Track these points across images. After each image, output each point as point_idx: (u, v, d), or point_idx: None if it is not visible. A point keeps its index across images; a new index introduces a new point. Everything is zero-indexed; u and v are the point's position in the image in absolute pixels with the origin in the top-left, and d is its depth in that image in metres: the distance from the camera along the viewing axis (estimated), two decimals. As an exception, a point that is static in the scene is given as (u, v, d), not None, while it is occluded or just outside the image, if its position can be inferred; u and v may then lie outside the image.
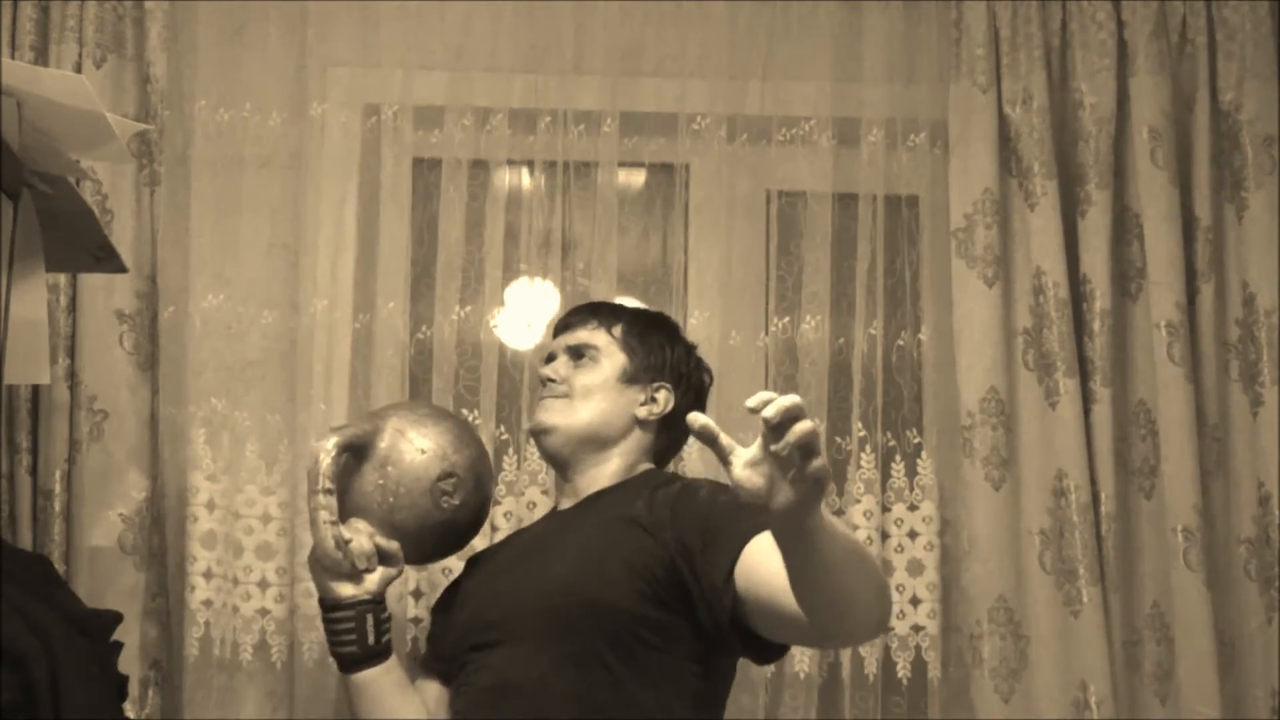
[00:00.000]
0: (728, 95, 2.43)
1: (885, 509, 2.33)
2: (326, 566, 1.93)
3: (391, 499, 1.95)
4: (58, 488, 2.23)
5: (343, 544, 1.91)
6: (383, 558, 1.95)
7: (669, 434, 2.04)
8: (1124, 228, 2.41)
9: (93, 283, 2.26)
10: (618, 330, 2.05)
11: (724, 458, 1.42)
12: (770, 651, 1.82)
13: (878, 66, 2.43)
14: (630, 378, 2.03)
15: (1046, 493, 2.32)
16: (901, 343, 2.40)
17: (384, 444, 1.97)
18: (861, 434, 2.34)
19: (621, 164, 2.43)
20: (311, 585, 2.24)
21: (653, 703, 1.79)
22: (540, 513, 2.24)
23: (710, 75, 2.44)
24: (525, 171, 2.47)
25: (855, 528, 2.30)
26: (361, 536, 1.93)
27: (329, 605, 1.94)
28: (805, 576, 1.55)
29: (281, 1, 2.41)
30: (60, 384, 2.24)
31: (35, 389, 2.24)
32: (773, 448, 1.38)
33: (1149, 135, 2.38)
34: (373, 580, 1.94)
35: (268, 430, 2.31)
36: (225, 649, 2.26)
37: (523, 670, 1.81)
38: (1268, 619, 2.30)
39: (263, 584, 2.28)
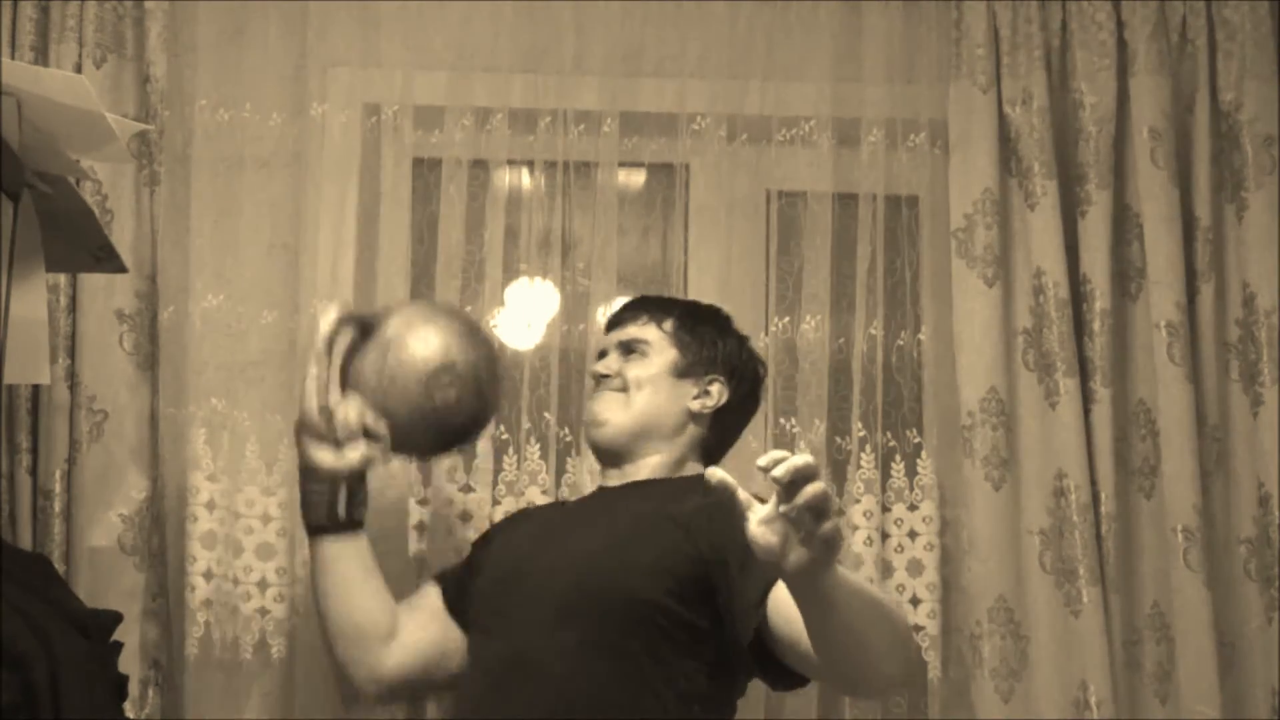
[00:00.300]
0: (728, 95, 2.43)
1: (885, 509, 2.33)
2: (310, 431, 1.94)
3: (386, 382, 1.94)
4: (58, 488, 2.23)
5: (326, 410, 1.92)
6: (369, 437, 1.94)
7: (721, 428, 2.05)
8: (1124, 228, 2.41)
9: (93, 283, 2.26)
10: (669, 325, 2.06)
11: (740, 513, 1.43)
12: (789, 679, 1.80)
13: (878, 66, 2.43)
14: (682, 372, 2.04)
15: (1046, 493, 2.32)
16: (901, 343, 2.40)
17: (391, 329, 1.97)
18: (861, 434, 2.34)
19: (621, 164, 2.43)
20: (310, 584, 2.25)
21: (671, 699, 1.79)
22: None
23: (710, 75, 2.43)
24: (525, 171, 2.47)
25: (855, 528, 2.30)
26: (350, 410, 1.93)
27: (305, 471, 1.96)
28: (820, 630, 1.56)
29: (281, 1, 2.40)
30: (60, 384, 2.24)
31: (35, 389, 2.24)
32: (782, 508, 1.39)
33: (1149, 135, 2.38)
34: (353, 455, 1.94)
35: (268, 430, 2.31)
36: (225, 649, 2.26)
37: (540, 647, 1.81)
38: (1268, 619, 2.29)
39: (263, 584, 2.28)
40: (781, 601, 1.66)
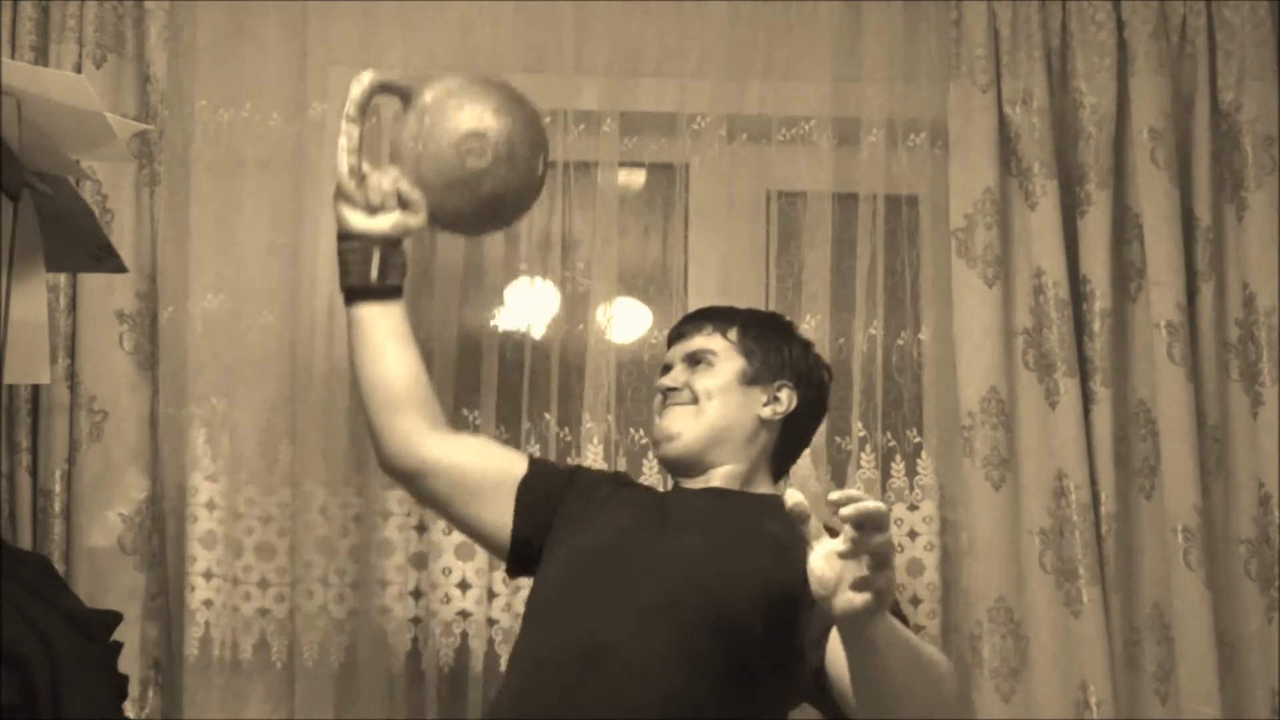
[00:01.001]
0: (728, 95, 2.43)
1: (885, 509, 2.33)
2: (345, 196, 1.97)
3: (420, 147, 1.96)
4: (58, 488, 2.23)
5: (358, 174, 1.95)
6: (405, 204, 1.96)
7: (792, 434, 2.04)
8: (1124, 228, 2.41)
9: (93, 283, 2.26)
10: (733, 334, 2.04)
11: (808, 540, 1.43)
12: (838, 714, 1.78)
13: (878, 66, 2.43)
14: (751, 379, 2.02)
15: (1046, 493, 2.32)
16: (901, 343, 2.40)
17: (429, 96, 1.98)
18: (861, 434, 2.34)
19: (621, 164, 2.43)
20: (311, 586, 2.25)
21: (741, 712, 1.76)
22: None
23: (710, 75, 2.43)
24: (525, 171, 2.47)
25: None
26: (385, 177, 1.96)
27: (341, 234, 1.99)
28: (861, 677, 1.55)
29: (281, 1, 2.40)
30: (60, 384, 2.24)
31: (35, 389, 2.24)
32: (843, 549, 1.38)
33: (1149, 135, 2.38)
34: (387, 219, 1.97)
35: (268, 430, 2.31)
36: (225, 649, 2.26)
37: (630, 638, 1.76)
38: (1268, 619, 2.30)
39: (263, 584, 2.28)
40: (838, 641, 1.64)
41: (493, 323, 2.38)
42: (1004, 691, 2.27)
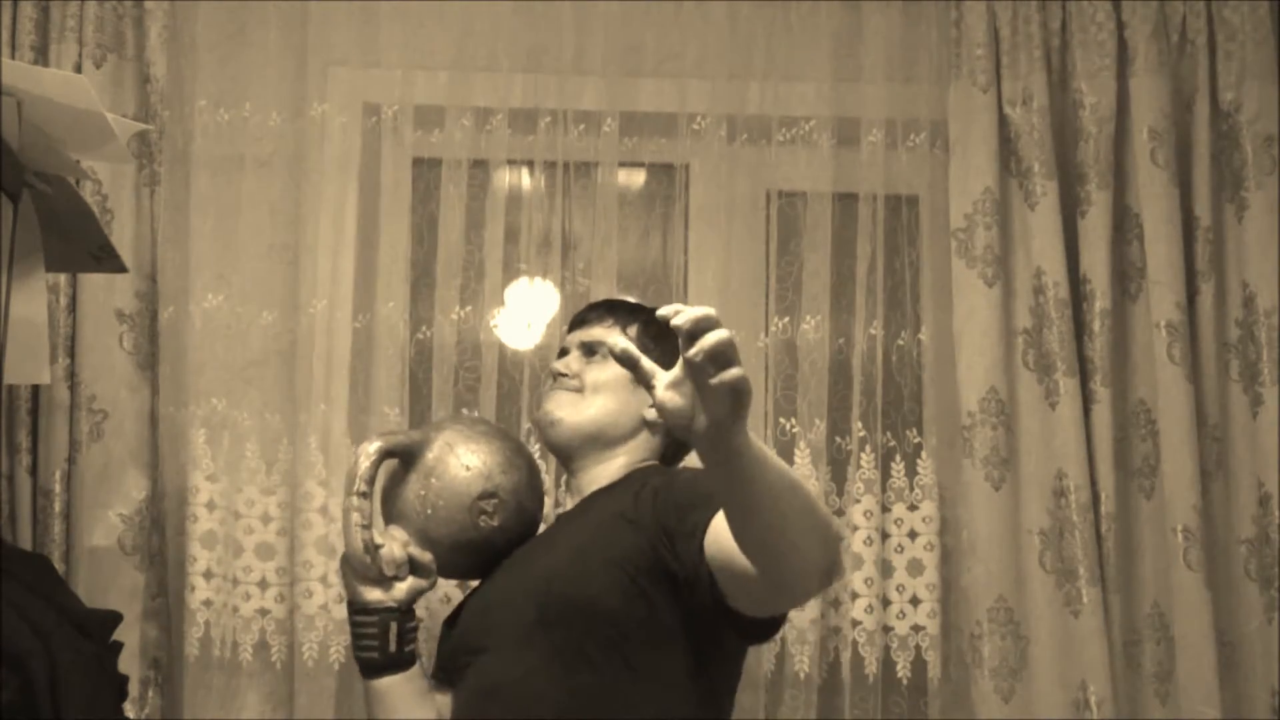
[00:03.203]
0: (728, 95, 2.43)
1: (885, 509, 2.33)
2: (356, 569, 1.91)
3: (430, 510, 1.92)
4: (58, 488, 2.23)
5: (372, 548, 1.89)
6: (415, 568, 1.92)
7: (678, 440, 2.01)
8: (1124, 228, 2.41)
9: (93, 283, 2.26)
10: (633, 330, 2.03)
11: (647, 382, 1.40)
12: (762, 628, 1.76)
13: (878, 66, 2.43)
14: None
15: (1046, 493, 2.32)
16: (901, 343, 2.40)
17: (432, 455, 1.94)
18: (861, 434, 2.34)
19: (621, 164, 2.43)
20: (311, 585, 2.25)
21: (649, 702, 1.76)
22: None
23: (710, 75, 2.43)
24: (525, 171, 2.47)
25: (855, 528, 2.30)
26: (395, 544, 1.91)
27: (355, 609, 1.93)
28: (739, 507, 1.51)
29: (281, 1, 2.40)
30: (60, 384, 2.24)
31: (35, 389, 2.24)
32: (685, 354, 1.35)
33: (1149, 135, 2.38)
34: (401, 589, 1.91)
35: (268, 430, 2.31)
36: (225, 649, 2.26)
37: (509, 670, 1.80)
38: (1268, 619, 2.30)
39: (263, 584, 2.28)
40: (715, 533, 1.63)
41: (492, 323, 2.38)
42: (1004, 691, 2.27)
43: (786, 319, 2.39)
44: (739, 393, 1.37)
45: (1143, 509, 2.34)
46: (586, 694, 1.76)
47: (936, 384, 2.38)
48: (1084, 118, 2.40)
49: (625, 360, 1.39)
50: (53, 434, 2.24)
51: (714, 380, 1.35)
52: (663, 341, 2.01)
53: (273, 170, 2.39)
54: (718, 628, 1.75)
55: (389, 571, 1.90)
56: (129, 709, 1.98)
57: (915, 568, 2.32)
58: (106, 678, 1.77)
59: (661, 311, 1.36)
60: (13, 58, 2.24)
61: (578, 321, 2.08)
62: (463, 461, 1.93)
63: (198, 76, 2.38)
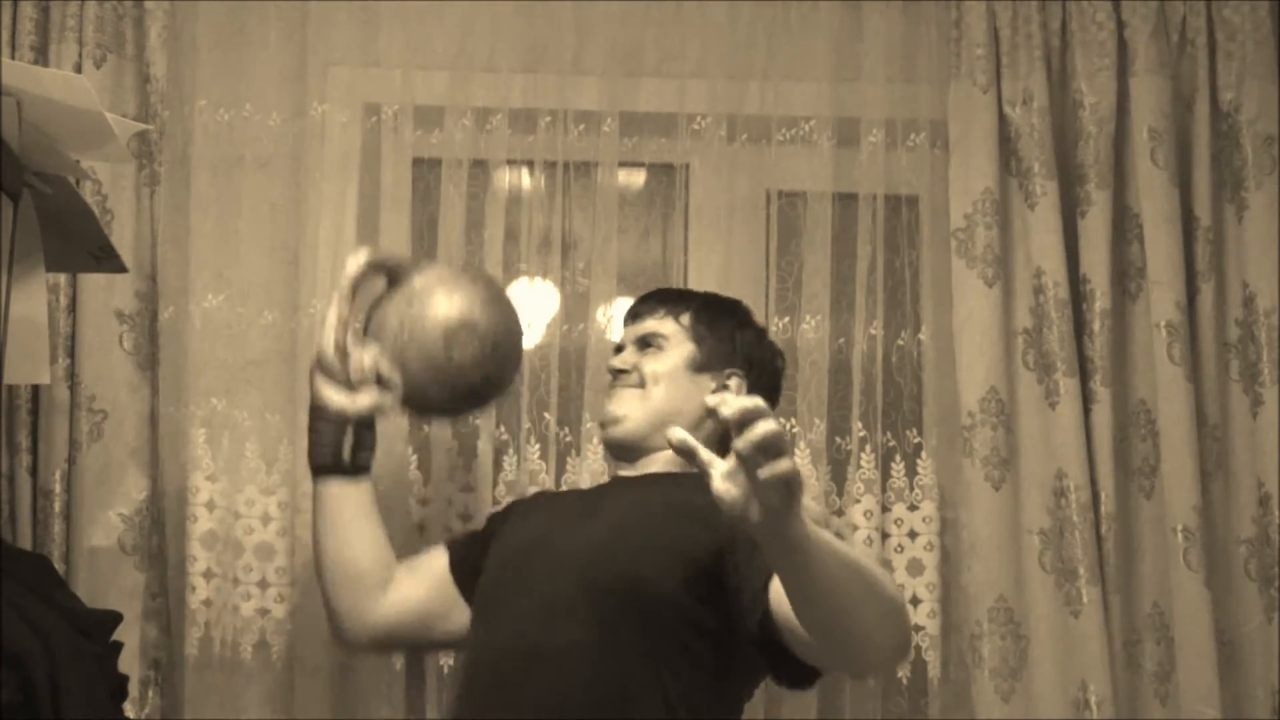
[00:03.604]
0: (728, 95, 2.43)
1: (885, 509, 2.33)
2: (323, 370, 1.96)
3: (405, 334, 1.95)
4: (58, 488, 2.23)
5: (342, 350, 1.94)
6: (382, 385, 1.94)
7: None
8: (1124, 228, 2.41)
9: (93, 283, 2.26)
10: (686, 318, 2.04)
11: (704, 470, 1.40)
12: (799, 674, 1.74)
13: (878, 66, 2.43)
14: (700, 366, 2.02)
15: (1046, 493, 2.32)
16: (901, 343, 2.40)
17: (419, 281, 1.97)
18: (861, 434, 2.34)
19: (621, 164, 2.43)
20: (311, 585, 2.25)
21: (676, 695, 1.76)
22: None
23: (710, 75, 2.43)
24: (525, 171, 2.47)
25: (855, 528, 2.30)
26: (366, 354, 1.94)
27: (315, 409, 1.98)
28: (801, 598, 1.51)
29: (281, 1, 2.40)
30: (60, 384, 2.24)
31: (35, 389, 2.24)
32: (734, 445, 1.35)
33: (1149, 135, 2.38)
34: (364, 399, 1.94)
35: (268, 430, 2.31)
36: (225, 649, 2.25)
37: (551, 635, 1.79)
38: (1268, 619, 2.30)
39: (263, 584, 2.28)
40: (779, 587, 1.62)
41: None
42: (1004, 691, 2.27)
43: (786, 319, 2.38)
44: (790, 485, 1.36)
45: (1143, 509, 2.34)
46: (624, 674, 1.75)
47: (936, 384, 2.38)
48: (1084, 118, 2.40)
49: (683, 451, 1.38)
50: (53, 434, 2.24)
51: (763, 473, 1.34)
52: (715, 328, 2.02)
53: (273, 170, 2.38)
54: (753, 653, 1.73)
55: (354, 378, 1.94)
56: (129, 709, 1.98)
57: (915, 568, 2.32)
58: (106, 678, 1.77)
59: (709, 400, 1.36)
60: (13, 58, 2.24)
61: (630, 316, 2.10)
62: (447, 291, 1.96)
63: (198, 76, 2.37)
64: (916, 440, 2.36)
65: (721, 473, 1.38)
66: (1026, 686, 2.27)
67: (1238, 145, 2.41)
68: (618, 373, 2.03)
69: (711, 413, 1.34)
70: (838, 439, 2.35)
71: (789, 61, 2.45)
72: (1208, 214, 2.40)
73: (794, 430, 2.33)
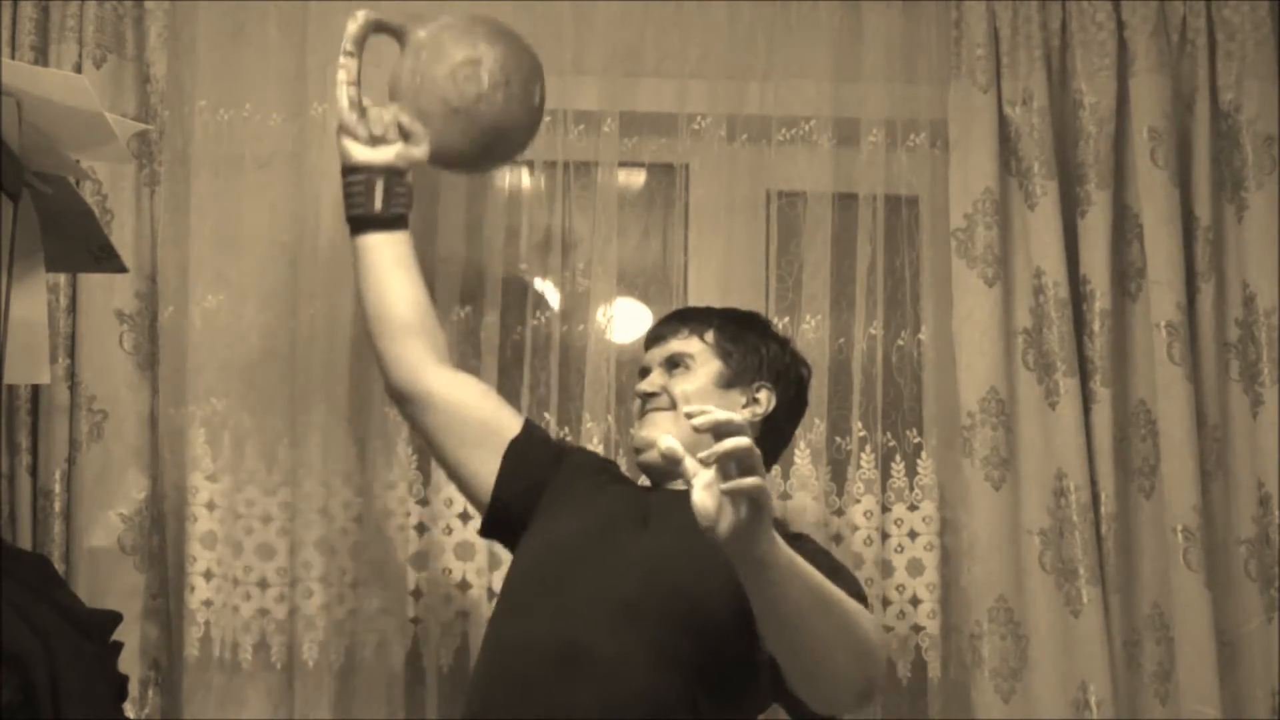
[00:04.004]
0: (728, 95, 2.43)
1: (885, 509, 2.33)
2: (345, 128, 2.01)
3: (418, 80, 2.01)
4: (58, 488, 2.23)
5: (358, 105, 2.00)
6: (406, 137, 2.01)
7: (773, 434, 2.01)
8: (1124, 228, 2.41)
9: (93, 283, 2.26)
10: (710, 336, 2.03)
11: (687, 480, 1.42)
12: (805, 710, 1.72)
13: (878, 66, 2.43)
14: (729, 382, 2.00)
15: (1046, 493, 2.32)
16: (901, 343, 2.40)
17: (424, 33, 2.03)
18: (861, 434, 2.34)
19: (621, 164, 2.43)
20: (311, 585, 2.25)
21: (708, 710, 1.75)
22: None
23: (710, 75, 2.43)
24: (525, 171, 2.47)
25: (855, 528, 2.30)
26: (386, 110, 2.01)
27: (345, 169, 2.03)
28: (766, 617, 1.52)
29: (281, 1, 2.40)
30: (60, 384, 2.24)
31: (35, 389, 2.24)
32: (700, 455, 1.38)
33: (1149, 135, 2.38)
34: (389, 150, 2.01)
35: (268, 430, 2.31)
36: (225, 649, 2.25)
37: (598, 640, 1.76)
38: (1268, 619, 2.30)
39: (263, 584, 2.28)
40: None
41: (493, 323, 2.38)
42: (1004, 691, 2.27)
43: (786, 319, 2.38)
44: (756, 503, 1.38)
45: (1143, 509, 2.35)
46: (662, 689, 1.74)
47: (936, 384, 2.38)
48: (1084, 118, 2.40)
49: (670, 459, 1.42)
50: (53, 434, 2.24)
51: (724, 486, 1.38)
52: (740, 342, 2.02)
53: (273, 170, 2.38)
54: (768, 688, 1.74)
55: (376, 130, 2.01)
56: (129, 709, 1.98)
57: (915, 568, 2.32)
58: (106, 678, 1.77)
59: (687, 409, 1.41)
60: (13, 58, 2.24)
61: (652, 338, 2.08)
62: (453, 35, 2.03)
63: (198, 76, 2.37)
64: (916, 440, 2.36)
65: (702, 484, 1.41)
66: (1026, 686, 2.27)
67: (1238, 145, 2.41)
68: (647, 396, 2.01)
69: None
70: (838, 439, 2.35)
71: (789, 61, 2.45)
72: (1208, 214, 2.40)
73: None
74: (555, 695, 1.74)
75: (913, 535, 2.33)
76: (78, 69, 2.28)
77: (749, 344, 2.04)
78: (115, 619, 1.83)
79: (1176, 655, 2.27)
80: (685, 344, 2.03)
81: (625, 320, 2.44)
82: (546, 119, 2.39)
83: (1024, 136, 2.40)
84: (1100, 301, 2.35)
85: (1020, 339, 2.36)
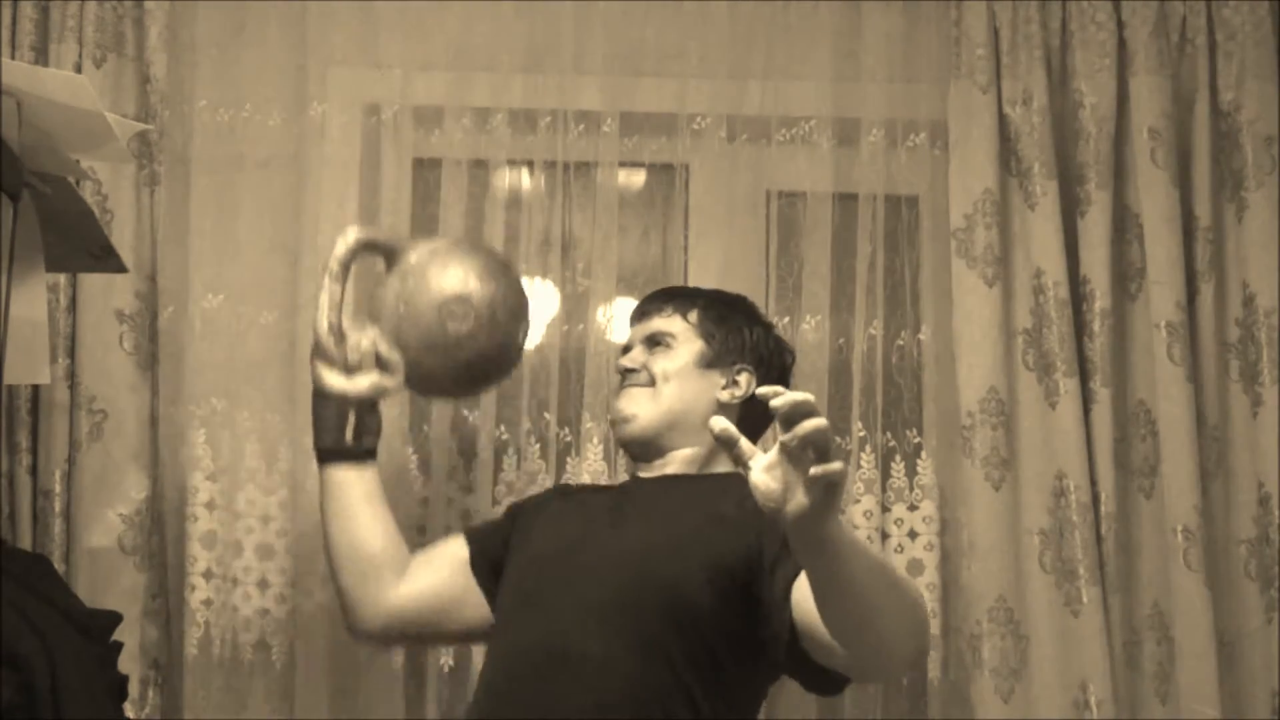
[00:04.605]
0: (728, 95, 2.43)
1: (885, 509, 2.33)
2: (322, 354, 1.94)
3: (403, 309, 1.93)
4: (58, 488, 2.23)
5: (338, 332, 1.92)
6: (382, 366, 1.93)
7: (752, 418, 1.99)
8: (1124, 228, 2.41)
9: (93, 283, 2.26)
10: (693, 316, 2.03)
11: (743, 462, 1.40)
12: (824, 680, 1.75)
13: (878, 66, 2.43)
14: (709, 362, 2.01)
15: (1046, 493, 2.32)
16: (901, 343, 2.40)
17: (413, 258, 1.96)
18: (861, 434, 2.34)
19: (621, 164, 2.43)
20: (311, 585, 2.25)
21: (705, 700, 1.76)
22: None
23: (710, 75, 2.43)
24: (525, 171, 2.47)
25: (855, 528, 2.30)
26: (364, 336, 1.93)
27: (317, 393, 1.97)
28: (828, 596, 1.51)
29: (281, 1, 2.40)
30: (60, 384, 2.24)
31: (35, 389, 2.24)
32: (781, 438, 1.36)
33: (1149, 135, 2.38)
34: (363, 381, 1.93)
35: (268, 430, 2.31)
36: (225, 649, 2.25)
37: (587, 643, 1.77)
38: (1268, 619, 2.30)
39: (263, 584, 2.28)
40: (803, 588, 1.61)
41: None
42: (1004, 691, 2.27)
43: (786, 319, 2.38)
44: (834, 485, 1.37)
45: (1143, 509, 2.34)
46: (652, 684, 1.74)
47: (936, 384, 2.38)
48: (1084, 118, 2.40)
49: (724, 440, 1.39)
50: (53, 434, 2.24)
51: (813, 471, 1.35)
52: (724, 324, 2.02)
53: (273, 170, 2.38)
54: (780, 660, 1.74)
55: (352, 359, 1.92)
56: (129, 709, 1.98)
57: (915, 568, 2.32)
58: (106, 678, 1.77)
59: (760, 390, 1.37)
60: (13, 58, 2.24)
61: (637, 315, 2.09)
62: (441, 264, 1.95)
63: (198, 76, 2.37)
64: (916, 440, 2.36)
65: (762, 465, 1.39)
66: (1026, 686, 2.27)
67: (1238, 145, 2.41)
68: (627, 372, 2.03)
69: (747, 402, 1.35)
70: (837, 439, 2.34)
71: (789, 61, 2.45)
72: (1208, 214, 2.40)
73: (794, 430, 2.33)
74: (548, 703, 1.76)
75: (913, 535, 2.33)
76: (78, 69, 2.28)
77: (732, 326, 2.04)
78: (115, 619, 1.83)
79: (1176, 655, 2.27)
80: (668, 322, 2.04)
81: (625, 320, 2.43)
82: (546, 119, 2.40)
83: (1024, 137, 2.40)
84: (1100, 301, 2.35)
85: (1020, 339, 2.36)
